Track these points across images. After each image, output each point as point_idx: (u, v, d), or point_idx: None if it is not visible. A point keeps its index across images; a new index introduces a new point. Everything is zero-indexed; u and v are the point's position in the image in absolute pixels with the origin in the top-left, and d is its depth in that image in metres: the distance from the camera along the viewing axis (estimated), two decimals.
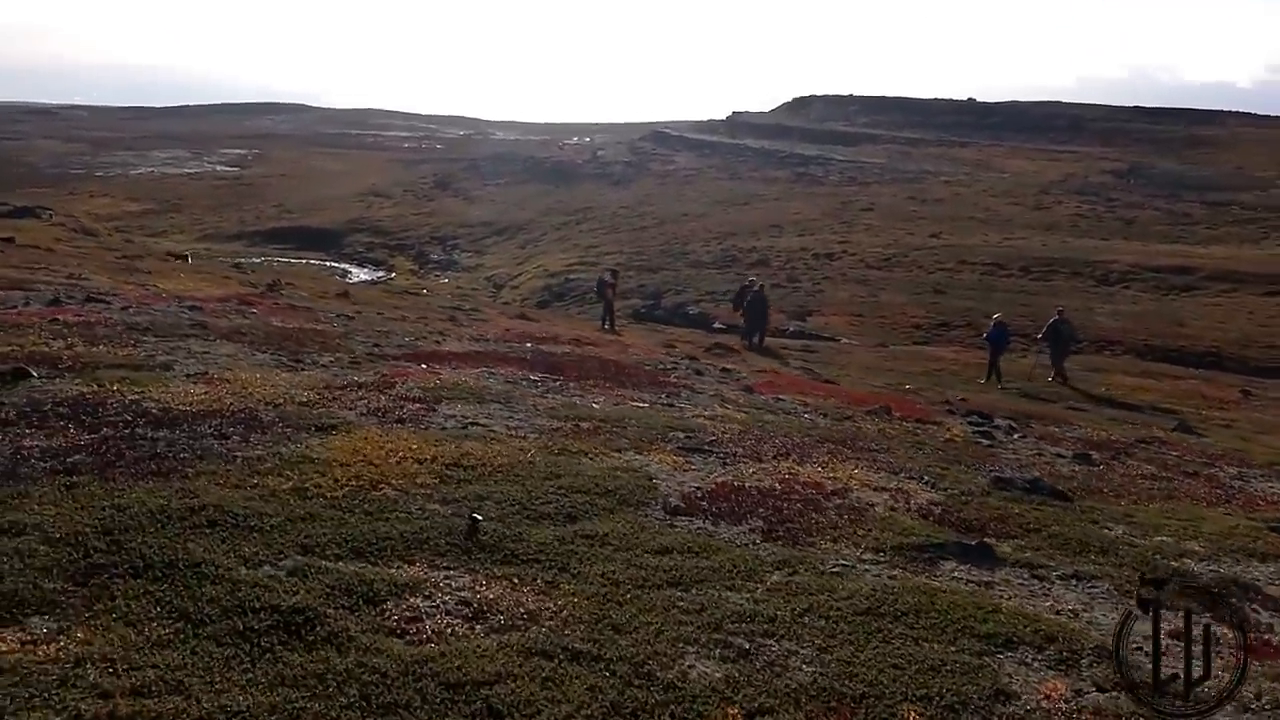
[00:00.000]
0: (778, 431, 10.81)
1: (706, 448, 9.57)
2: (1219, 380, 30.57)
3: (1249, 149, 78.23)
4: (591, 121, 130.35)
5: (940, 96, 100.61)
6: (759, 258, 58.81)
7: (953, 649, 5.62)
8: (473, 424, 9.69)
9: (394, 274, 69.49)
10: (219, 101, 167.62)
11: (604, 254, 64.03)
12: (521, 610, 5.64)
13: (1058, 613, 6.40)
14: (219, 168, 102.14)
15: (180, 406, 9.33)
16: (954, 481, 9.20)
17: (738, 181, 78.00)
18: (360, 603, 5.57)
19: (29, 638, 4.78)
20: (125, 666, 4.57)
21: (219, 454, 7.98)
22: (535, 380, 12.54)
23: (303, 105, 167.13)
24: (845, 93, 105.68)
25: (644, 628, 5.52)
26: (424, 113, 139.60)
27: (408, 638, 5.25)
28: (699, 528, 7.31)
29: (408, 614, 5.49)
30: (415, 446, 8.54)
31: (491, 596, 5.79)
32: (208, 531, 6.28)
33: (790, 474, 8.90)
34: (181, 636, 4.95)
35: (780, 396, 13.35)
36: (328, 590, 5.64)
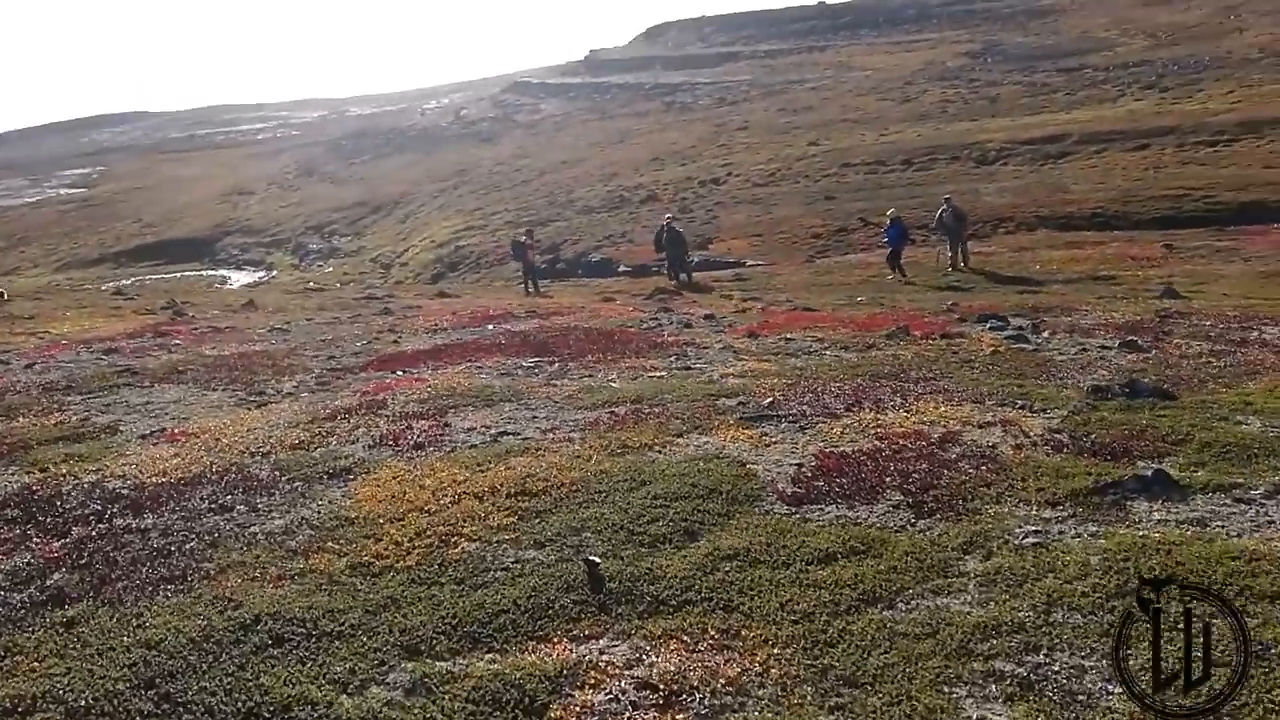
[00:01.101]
0: (822, 376, 9.61)
1: (769, 412, 8.32)
2: (1139, 239, 30.67)
3: (1088, 13, 79.69)
4: (447, 83, 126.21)
5: (791, 4, 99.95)
6: (647, 194, 57.50)
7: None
8: (501, 434, 8.23)
9: (275, 272, 65.98)
10: (47, 121, 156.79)
11: (490, 214, 61.82)
12: (721, 681, 4.30)
13: None
14: (62, 191, 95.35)
15: (153, 479, 7.63)
16: (1047, 400, 8.15)
17: (609, 120, 76.20)
18: (520, 716, 4.19)
19: None
20: None
21: (233, 534, 6.38)
22: (530, 367, 11.11)
23: (140, 112, 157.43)
24: (698, 15, 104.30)
25: (884, 674, 4.26)
26: (272, 101, 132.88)
27: None
28: (838, 516, 6.07)
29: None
30: (459, 477, 7.06)
31: (672, 669, 4.43)
32: (276, 654, 4.73)
33: (879, 426, 7.72)
34: None
35: (788, 335, 12.11)
36: (470, 707, 4.23)
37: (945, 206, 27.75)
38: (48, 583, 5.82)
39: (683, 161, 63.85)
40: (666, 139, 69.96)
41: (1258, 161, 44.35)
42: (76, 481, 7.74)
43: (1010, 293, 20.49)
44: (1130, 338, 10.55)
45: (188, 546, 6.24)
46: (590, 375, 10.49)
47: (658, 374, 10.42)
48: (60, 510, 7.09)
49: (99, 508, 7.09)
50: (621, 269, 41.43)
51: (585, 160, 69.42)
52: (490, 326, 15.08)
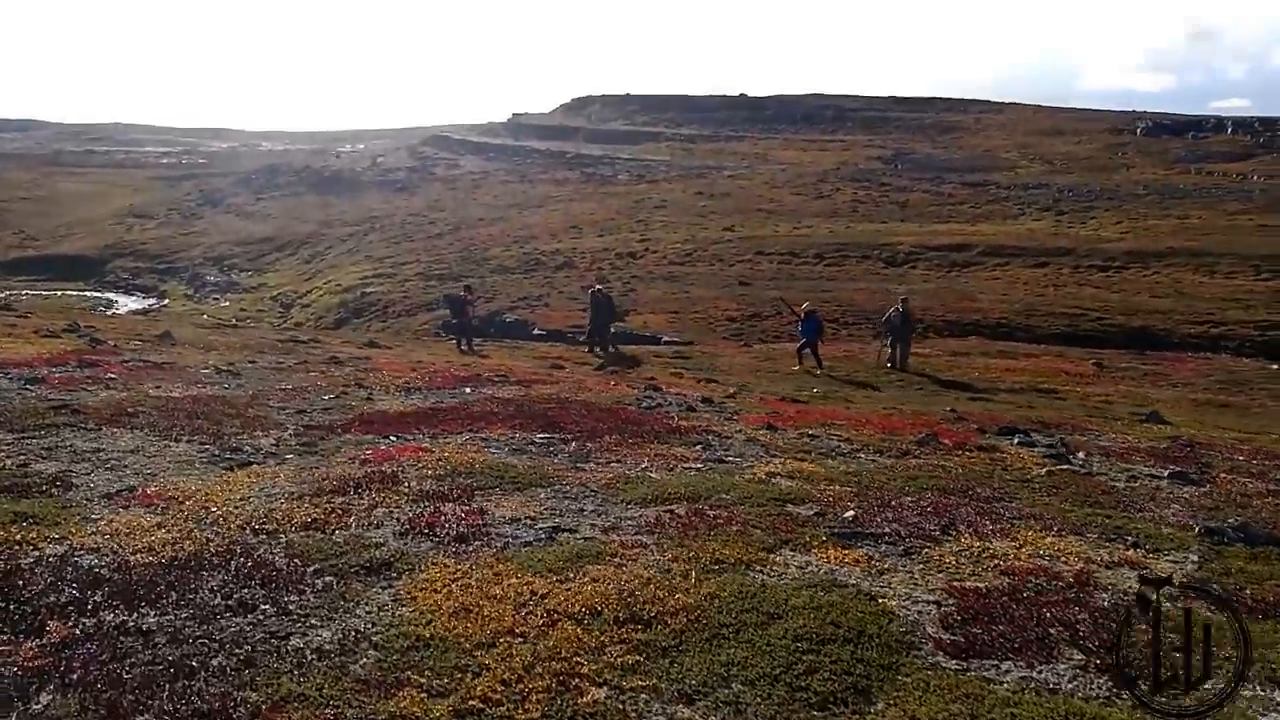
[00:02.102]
0: (885, 487, 8.56)
1: (857, 529, 7.23)
2: (1068, 355, 31.06)
3: (991, 134, 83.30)
4: (363, 128, 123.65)
5: (714, 93, 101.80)
6: (563, 260, 56.76)
7: None
8: (555, 530, 6.88)
9: (166, 300, 62.45)
10: None
11: (400, 264, 60.03)
12: None
13: None
14: None
15: (138, 557, 6.03)
16: (1153, 539, 7.27)
17: (528, 184, 75.44)
18: None
19: None
20: None
21: (270, 649, 4.90)
22: (544, 444, 9.80)
23: (34, 120, 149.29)
24: (622, 92, 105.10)
25: None
26: (179, 126, 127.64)
27: None
28: (1023, 679, 4.96)
29: None
30: (537, 588, 5.68)
31: None
32: None
33: (994, 557, 6.68)
34: None
35: (809, 432, 11.01)
36: None
37: (898, 307, 27.51)
38: (34, 708, 4.28)
39: (600, 233, 63.43)
40: (585, 209, 69.51)
41: (1145, 290, 46.35)
42: (37, 553, 6.07)
43: (964, 398, 20.07)
44: (1175, 468, 9.96)
45: (214, 663, 4.75)
46: (619, 460, 9.25)
47: (693, 466, 9.24)
48: (25, 595, 5.45)
49: (76, 594, 5.48)
50: (536, 332, 40.41)
51: (502, 220, 68.36)
52: (468, 389, 13.66)
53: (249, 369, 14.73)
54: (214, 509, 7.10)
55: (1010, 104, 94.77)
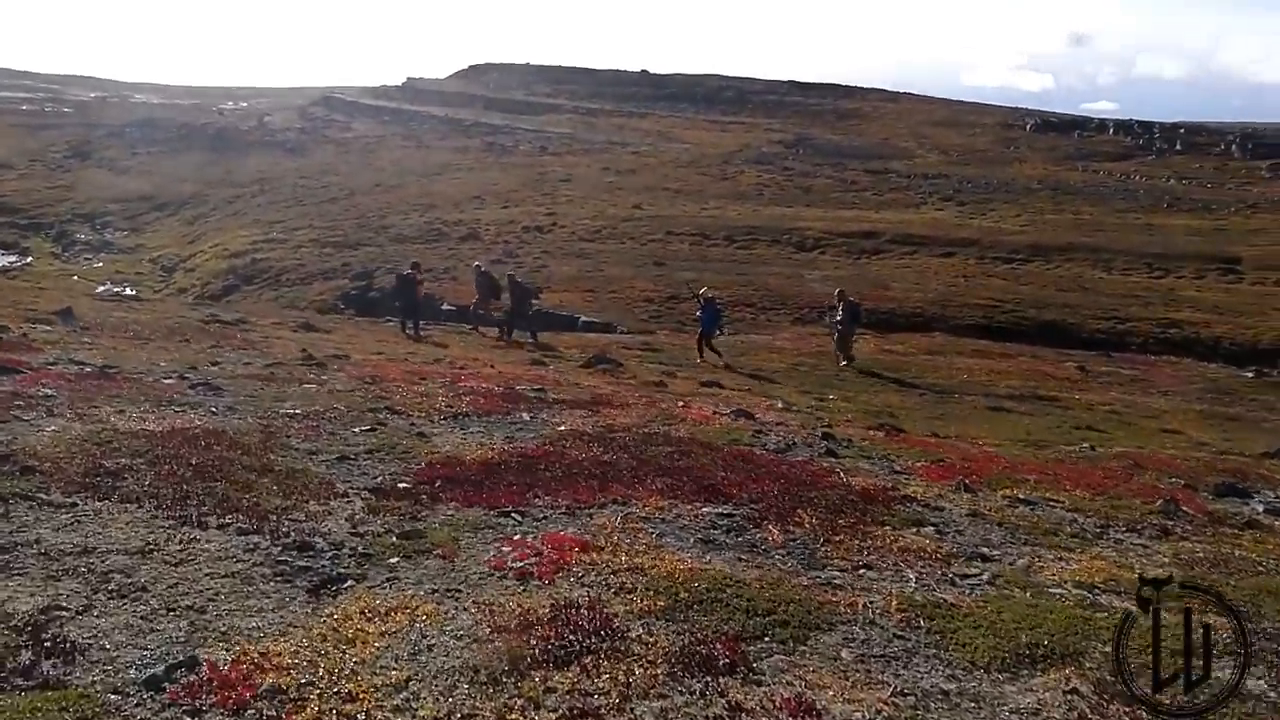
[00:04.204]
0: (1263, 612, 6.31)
1: None
2: (1043, 355, 29.80)
3: (888, 122, 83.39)
4: (244, 85, 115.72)
5: (615, 68, 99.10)
6: (468, 231, 53.75)
7: None
8: None
9: (30, 259, 56.47)
10: None
11: (293, 229, 55.85)
12: None
13: None
14: None
15: None
16: None
17: (426, 150, 71.56)
18: None
19: None
20: None
21: None
22: (730, 527, 7.20)
23: None
24: (521, 61, 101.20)
25: None
26: (39, 71, 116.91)
27: None
28: None
29: None
30: None
31: None
32: None
33: None
34: None
35: (1015, 495, 8.80)
36: None
37: (837, 301, 25.60)
38: None
39: (505, 204, 60.53)
40: (487, 178, 66.33)
41: (1050, 284, 46.44)
42: None
43: (999, 415, 17.56)
44: None
45: None
46: (863, 563, 6.68)
47: (966, 574, 6.66)
48: None
49: None
50: (445, 307, 37.63)
51: (400, 187, 64.62)
52: (526, 415, 10.87)
53: (219, 377, 11.58)
54: (356, 710, 4.22)
55: (905, 94, 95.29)
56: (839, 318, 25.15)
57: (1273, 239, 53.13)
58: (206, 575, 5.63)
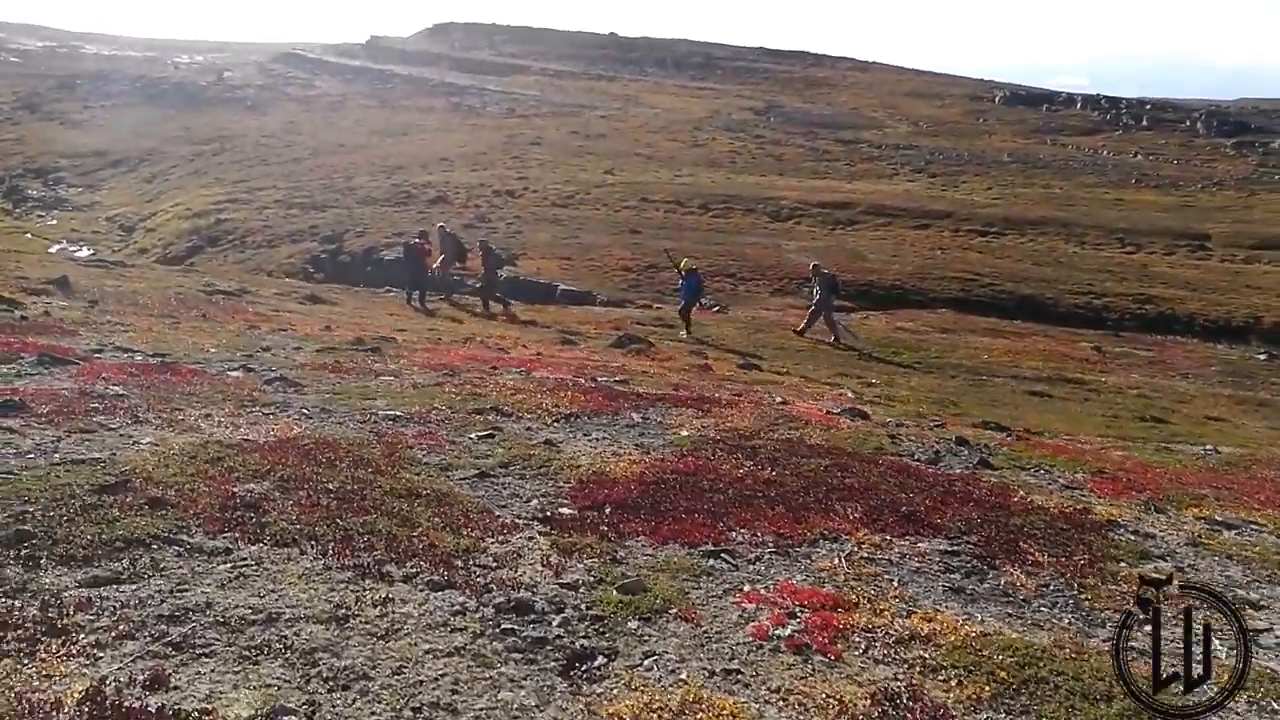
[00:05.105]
0: None
1: None
2: (1055, 334, 29.32)
3: (858, 92, 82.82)
4: (200, 39, 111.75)
5: (582, 29, 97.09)
6: (437, 194, 52.43)
7: None
8: None
9: None
10: None
11: (256, 189, 54.07)
12: None
13: None
14: None
15: None
16: None
17: (391, 110, 69.67)
18: None
19: None
20: None
21: None
22: (982, 578, 6.31)
23: None
24: (488, 21, 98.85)
25: None
26: None
27: None
28: None
29: None
30: None
31: None
32: None
33: None
34: None
35: (1212, 516, 7.96)
36: None
37: (813, 274, 25.04)
38: None
39: (474, 167, 59.20)
40: (454, 140, 64.83)
41: (1026, 257, 46.34)
42: None
43: (1043, 403, 16.97)
44: None
45: None
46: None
47: (1262, 633, 5.78)
48: None
49: None
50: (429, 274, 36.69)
51: (366, 148, 62.92)
52: (636, 415, 9.94)
53: (282, 366, 10.47)
54: None
55: (874, 63, 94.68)
56: (816, 292, 24.61)
57: (1238, 217, 53.64)
58: (428, 654, 4.60)
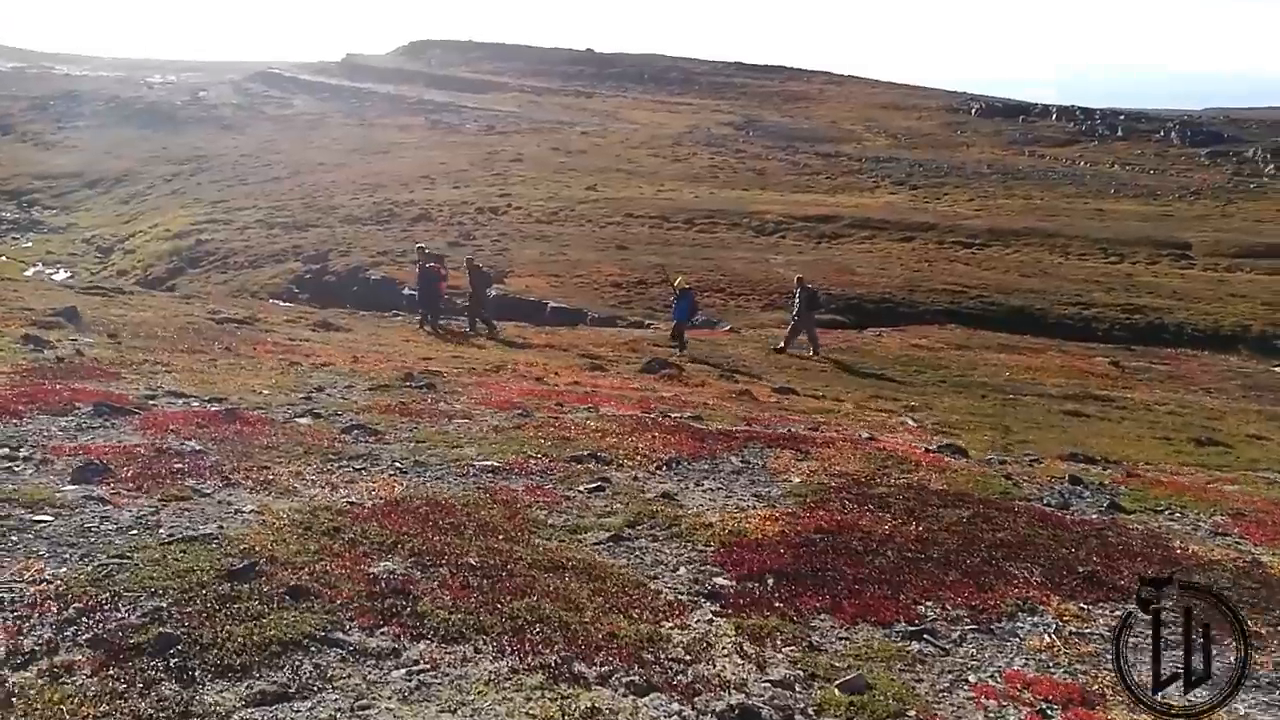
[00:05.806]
0: None
1: None
2: (1070, 350, 29.00)
3: (835, 105, 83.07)
4: (174, 59, 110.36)
5: (560, 46, 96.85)
6: (419, 212, 51.81)
7: None
8: None
9: None
10: None
11: (236, 209, 53.26)
12: None
13: None
14: None
15: None
16: None
17: (369, 128, 69.00)
18: None
19: None
20: None
21: None
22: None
23: None
24: (464, 38, 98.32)
25: None
26: None
27: None
28: None
29: None
30: None
31: None
32: None
33: None
34: None
35: None
36: None
37: (797, 289, 24.77)
38: None
39: (456, 185, 58.68)
40: (434, 157, 64.26)
41: (1013, 269, 46.32)
42: None
43: (1088, 427, 16.53)
44: None
45: None
46: None
47: None
48: None
49: None
50: (407, 292, 36.18)
51: (346, 166, 62.24)
52: (735, 459, 9.42)
53: (345, 410, 9.69)
54: None
55: (849, 76, 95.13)
56: (796, 305, 24.32)
57: (1217, 226, 54.02)
58: None
